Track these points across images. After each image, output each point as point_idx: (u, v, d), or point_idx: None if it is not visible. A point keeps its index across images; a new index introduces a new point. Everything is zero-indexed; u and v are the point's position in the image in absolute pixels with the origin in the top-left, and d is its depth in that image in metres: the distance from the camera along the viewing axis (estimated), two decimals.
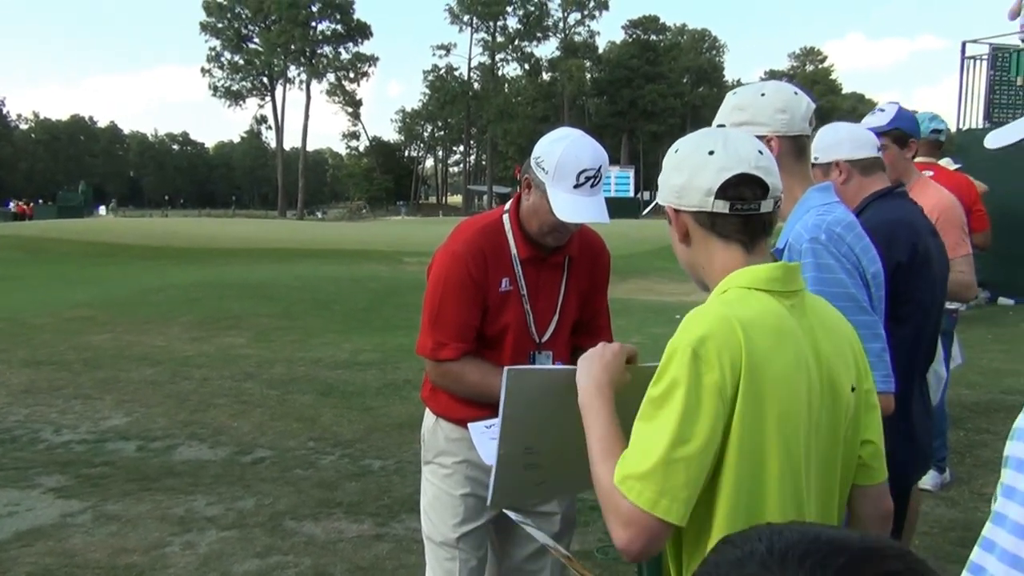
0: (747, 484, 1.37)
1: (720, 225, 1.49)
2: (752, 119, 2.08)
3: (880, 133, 3.17)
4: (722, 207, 1.47)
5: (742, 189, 1.47)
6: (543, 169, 2.36)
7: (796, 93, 2.13)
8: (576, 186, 2.31)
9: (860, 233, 2.12)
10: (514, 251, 2.51)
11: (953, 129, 13.22)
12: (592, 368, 1.55)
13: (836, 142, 2.72)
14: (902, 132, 3.46)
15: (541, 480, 1.89)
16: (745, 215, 1.48)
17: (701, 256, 1.53)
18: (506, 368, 1.72)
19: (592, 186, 2.33)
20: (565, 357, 2.60)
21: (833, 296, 1.94)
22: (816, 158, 2.67)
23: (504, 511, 1.87)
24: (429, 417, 2.69)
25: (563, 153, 2.34)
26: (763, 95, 2.11)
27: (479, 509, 2.58)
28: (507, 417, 1.68)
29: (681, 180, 1.50)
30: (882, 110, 3.49)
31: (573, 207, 2.31)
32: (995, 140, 1.38)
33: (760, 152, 1.51)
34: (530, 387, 1.70)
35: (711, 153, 1.49)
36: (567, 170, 2.31)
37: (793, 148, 2.12)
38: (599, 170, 2.34)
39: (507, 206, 2.60)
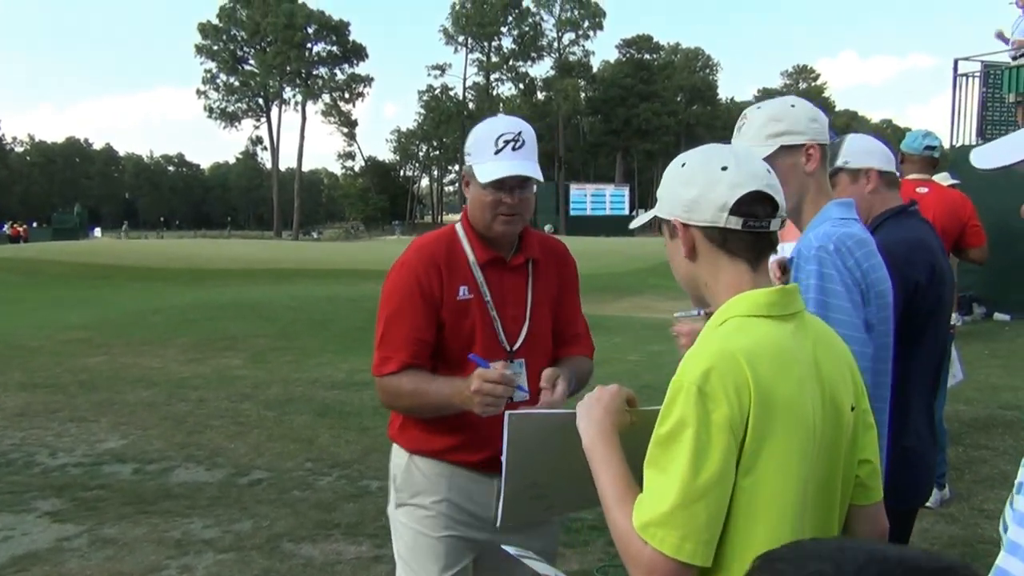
0: (754, 514, 1.35)
1: (731, 242, 1.47)
2: (790, 128, 2.08)
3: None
4: (735, 223, 1.45)
5: (755, 206, 1.46)
6: (468, 155, 2.35)
7: (815, 106, 2.16)
8: (497, 151, 2.26)
9: (872, 251, 2.09)
10: (471, 256, 2.40)
11: (946, 146, 13.29)
12: (592, 412, 1.53)
13: (870, 151, 2.68)
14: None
15: (547, 506, 1.90)
16: (756, 232, 1.47)
17: (705, 273, 1.51)
18: (507, 413, 1.71)
19: (514, 148, 2.27)
20: (543, 366, 2.42)
21: (830, 307, 1.96)
22: (847, 162, 2.63)
23: (503, 547, 1.85)
24: (400, 455, 2.52)
25: (477, 131, 2.36)
26: (793, 106, 2.12)
27: (461, 550, 2.43)
28: (510, 459, 1.69)
29: (692, 194, 1.48)
30: None
31: (496, 167, 2.26)
32: (984, 160, 1.31)
33: (768, 171, 1.51)
34: (531, 430, 1.70)
35: (724, 169, 1.47)
36: (485, 140, 2.30)
37: (823, 157, 2.14)
38: (519, 134, 2.28)
39: (459, 215, 2.53)
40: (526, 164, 2.27)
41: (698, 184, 1.48)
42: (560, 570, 1.80)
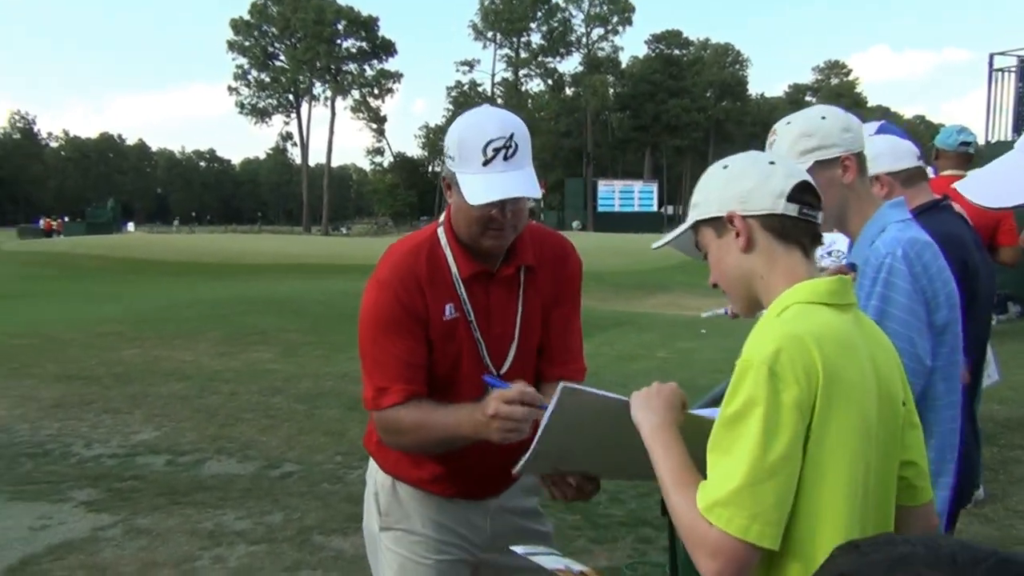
0: (817, 499, 1.34)
1: (788, 228, 1.50)
2: (823, 143, 2.04)
3: None
4: (793, 210, 1.49)
5: (807, 196, 1.51)
6: (450, 157, 2.02)
7: (846, 111, 2.11)
8: (486, 162, 1.95)
9: (936, 252, 2.06)
10: (454, 270, 2.10)
11: (982, 142, 13.12)
12: (653, 403, 1.52)
13: (876, 155, 2.59)
14: None
15: (568, 467, 1.88)
16: (809, 221, 1.51)
17: (761, 264, 1.51)
18: (562, 383, 1.63)
19: (506, 158, 1.95)
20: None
21: (894, 318, 1.93)
22: None
23: (511, 548, 1.83)
24: (383, 476, 2.31)
25: (462, 130, 2.01)
26: (824, 118, 2.07)
27: (455, 573, 2.28)
28: (549, 425, 1.68)
29: (747, 186, 1.51)
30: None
31: (486, 187, 1.94)
32: (985, 198, 1.19)
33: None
34: (580, 407, 1.69)
35: (772, 164, 1.54)
36: (471, 147, 1.96)
37: (861, 165, 2.10)
38: (511, 138, 1.96)
39: (442, 217, 2.20)
40: (520, 177, 1.97)
41: (751, 177, 1.52)
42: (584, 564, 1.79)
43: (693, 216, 1.60)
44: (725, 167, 1.57)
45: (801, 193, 1.50)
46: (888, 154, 2.64)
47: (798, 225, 1.50)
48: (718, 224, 1.55)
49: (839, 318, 1.44)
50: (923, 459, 1.55)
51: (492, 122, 1.99)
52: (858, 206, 2.11)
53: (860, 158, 2.10)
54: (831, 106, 2.16)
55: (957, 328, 2.09)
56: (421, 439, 2.07)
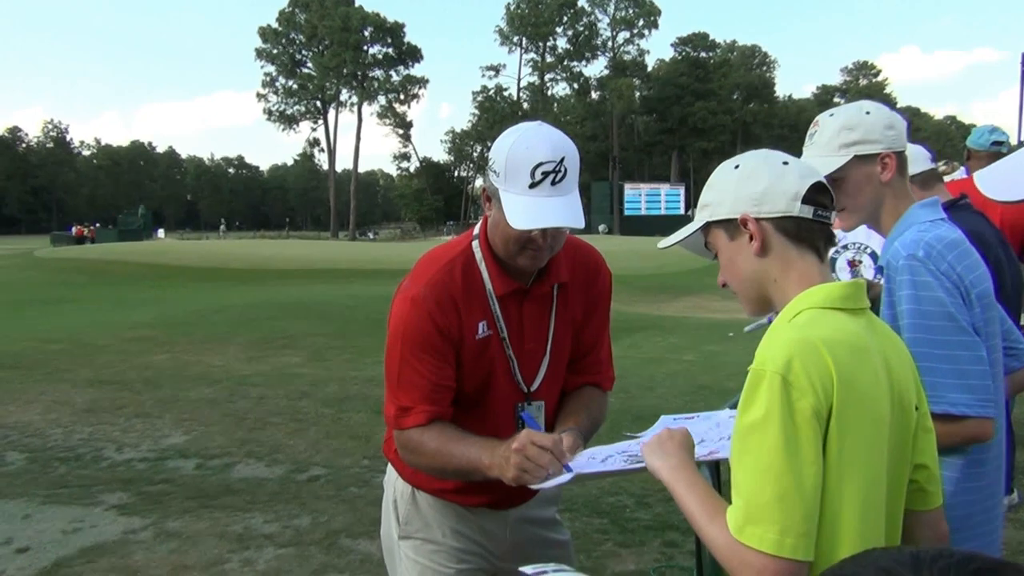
0: (836, 505, 1.32)
1: (803, 231, 1.47)
2: (864, 137, 2.01)
3: None
4: (807, 212, 1.47)
5: (821, 197, 1.48)
6: (495, 172, 1.94)
7: (891, 109, 2.08)
8: (532, 185, 1.88)
9: (967, 250, 1.99)
10: (489, 286, 2.06)
11: (1014, 141, 12.95)
12: (666, 446, 1.50)
13: None
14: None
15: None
16: (823, 223, 1.48)
17: (775, 268, 1.49)
18: (576, 472, 1.65)
19: (553, 183, 1.88)
20: (556, 402, 2.21)
21: (931, 315, 1.86)
22: None
23: (520, 570, 1.84)
24: (402, 485, 2.28)
25: (512, 148, 1.91)
26: (868, 113, 2.04)
27: None
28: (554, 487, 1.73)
29: (761, 187, 1.48)
30: None
31: (530, 211, 1.88)
32: (1004, 192, 1.19)
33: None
34: (591, 479, 1.72)
35: (785, 164, 1.50)
36: (519, 167, 1.88)
37: (901, 165, 2.06)
38: (561, 162, 1.88)
39: (476, 229, 2.13)
40: (565, 205, 1.90)
41: (764, 178, 1.48)
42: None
43: (703, 217, 1.56)
44: (736, 167, 1.53)
45: (816, 194, 1.47)
46: None
47: (812, 227, 1.47)
48: (730, 226, 1.51)
49: (852, 322, 1.42)
50: (935, 463, 1.52)
51: (544, 144, 1.91)
52: (893, 205, 2.07)
53: (901, 158, 2.06)
54: (875, 103, 2.12)
55: (995, 329, 2.02)
56: (439, 464, 2.03)
